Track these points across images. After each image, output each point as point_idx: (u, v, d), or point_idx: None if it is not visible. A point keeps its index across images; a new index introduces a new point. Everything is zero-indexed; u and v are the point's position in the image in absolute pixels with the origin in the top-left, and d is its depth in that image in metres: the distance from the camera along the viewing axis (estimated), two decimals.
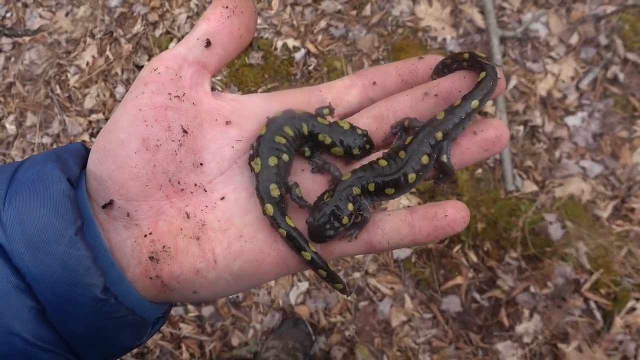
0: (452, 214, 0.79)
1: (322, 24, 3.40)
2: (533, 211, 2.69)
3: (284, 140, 0.86)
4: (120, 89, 3.34)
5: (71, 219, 0.68)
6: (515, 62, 3.14)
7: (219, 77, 3.31)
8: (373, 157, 0.90)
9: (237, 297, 2.68)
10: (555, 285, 2.55)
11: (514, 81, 3.07)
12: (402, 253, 2.70)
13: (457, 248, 2.69)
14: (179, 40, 3.44)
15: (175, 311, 2.68)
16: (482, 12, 3.26)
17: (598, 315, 2.50)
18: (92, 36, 3.55)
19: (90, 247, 0.69)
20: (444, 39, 3.23)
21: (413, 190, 2.73)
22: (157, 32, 3.49)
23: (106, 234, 0.76)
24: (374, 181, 0.85)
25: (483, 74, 0.86)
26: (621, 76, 2.99)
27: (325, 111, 0.90)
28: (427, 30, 3.27)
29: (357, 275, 2.69)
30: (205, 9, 3.46)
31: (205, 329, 2.65)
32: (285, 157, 0.86)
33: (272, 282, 2.69)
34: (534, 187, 2.77)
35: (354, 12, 3.40)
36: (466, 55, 0.88)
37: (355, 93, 0.91)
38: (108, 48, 3.49)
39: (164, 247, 0.76)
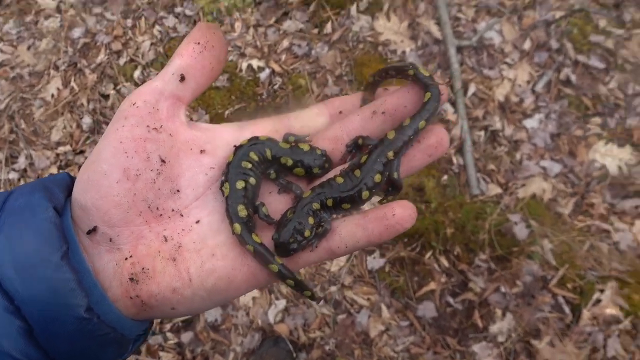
0: (400, 212, 0.84)
1: (285, 43, 3.47)
2: (498, 213, 2.79)
3: (250, 165, 0.92)
4: (87, 119, 3.34)
5: (57, 244, 0.74)
6: (472, 69, 3.26)
7: None
8: (331, 174, 0.96)
9: (216, 320, 2.70)
10: (524, 284, 2.64)
11: (472, 88, 3.18)
12: (375, 263, 2.77)
13: (428, 254, 2.76)
14: (144, 67, 3.47)
15: (154, 340, 2.69)
16: (439, 23, 3.38)
17: (567, 309, 2.59)
18: (56, 68, 3.55)
19: (75, 270, 0.74)
20: (404, 52, 3.33)
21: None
22: (122, 61, 3.51)
23: (90, 257, 0.81)
24: (331, 197, 0.92)
25: (428, 95, 0.92)
26: (573, 77, 3.13)
27: (291, 138, 0.96)
28: (387, 44, 3.37)
29: (333, 288, 2.74)
30: (169, 35, 3.51)
31: (185, 355, 2.66)
32: (252, 180, 0.92)
33: (250, 303, 2.72)
34: (498, 190, 2.87)
35: (315, 31, 3.48)
36: (411, 72, 0.95)
37: (322, 121, 0.97)
38: (73, 79, 3.49)
39: (143, 268, 0.81)
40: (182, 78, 0.86)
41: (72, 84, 3.47)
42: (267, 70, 3.40)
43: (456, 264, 2.74)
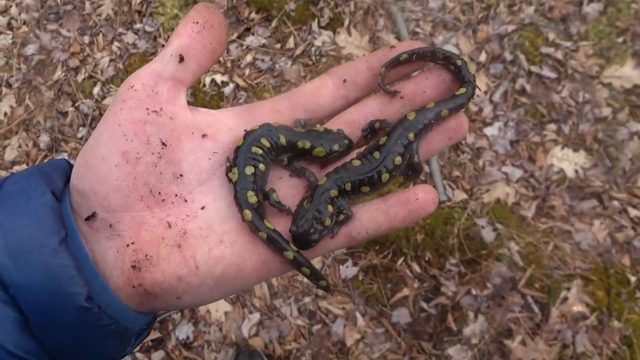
0: (423, 196, 0.83)
1: (249, 58, 3.48)
2: (465, 218, 2.85)
3: (260, 151, 0.88)
4: (44, 137, 3.22)
5: (54, 230, 0.70)
6: None
7: None
8: (346, 159, 0.93)
9: (188, 337, 2.60)
10: (494, 286, 2.69)
11: None
12: (349, 272, 2.76)
13: (400, 261, 2.78)
14: (104, 84, 3.39)
15: None
16: (398, 38, 3.48)
17: (536, 308, 2.66)
18: (9, 86, 3.42)
19: (74, 257, 0.70)
20: None
21: None
22: (80, 77, 3.42)
23: (89, 245, 0.77)
24: (349, 180, 0.88)
25: (462, 90, 0.90)
26: (528, 87, 3.28)
27: (302, 122, 0.93)
28: (349, 58, 3.43)
29: (307, 299, 2.71)
30: (129, 51, 3.46)
31: None
32: (261, 166, 0.89)
33: (223, 318, 2.64)
34: (464, 195, 2.94)
35: (278, 46, 3.51)
36: (458, 62, 0.91)
37: (325, 94, 0.92)
38: (27, 97, 3.37)
39: (146, 255, 0.77)
40: (181, 59, 0.83)
41: (27, 101, 3.34)
42: (231, 85, 3.39)
43: (428, 269, 2.77)
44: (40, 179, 0.75)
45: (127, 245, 0.77)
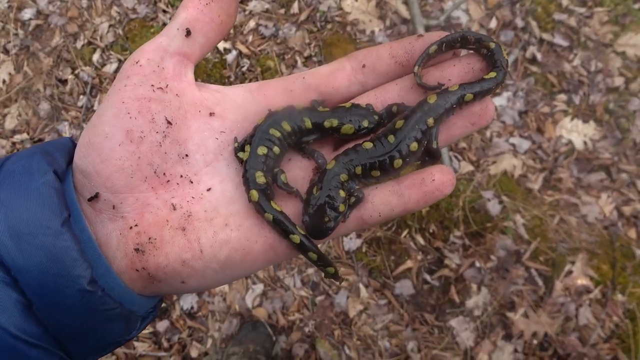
0: (439, 177, 0.80)
1: (252, 24, 3.38)
2: (471, 190, 2.81)
3: (278, 134, 0.85)
4: (44, 105, 3.17)
5: (57, 210, 0.68)
6: None
7: None
8: (358, 142, 0.89)
9: (192, 307, 2.62)
10: (498, 258, 2.68)
11: None
12: (352, 244, 2.75)
13: (404, 233, 2.77)
14: (103, 50, 3.32)
15: None
16: (406, 3, 3.36)
17: (540, 281, 2.65)
18: (6, 52, 3.34)
19: (77, 239, 0.68)
20: (372, 32, 3.30)
21: None
22: (79, 44, 3.34)
23: (92, 227, 0.75)
24: (360, 164, 0.84)
25: (492, 74, 0.84)
26: (539, 55, 3.18)
27: (318, 102, 0.89)
28: (355, 24, 3.33)
29: (310, 271, 2.71)
30: (128, 16, 3.36)
31: (161, 344, 2.58)
32: (276, 149, 0.86)
33: (227, 288, 2.66)
34: (470, 167, 2.89)
35: (282, 11, 3.41)
36: (492, 45, 0.85)
37: (341, 77, 0.88)
38: (26, 63, 3.30)
39: (149, 238, 0.76)
40: (188, 33, 0.79)
41: (26, 68, 3.28)
42: (234, 52, 3.31)
43: (432, 241, 2.75)
44: (43, 158, 0.73)
45: (131, 228, 0.76)
